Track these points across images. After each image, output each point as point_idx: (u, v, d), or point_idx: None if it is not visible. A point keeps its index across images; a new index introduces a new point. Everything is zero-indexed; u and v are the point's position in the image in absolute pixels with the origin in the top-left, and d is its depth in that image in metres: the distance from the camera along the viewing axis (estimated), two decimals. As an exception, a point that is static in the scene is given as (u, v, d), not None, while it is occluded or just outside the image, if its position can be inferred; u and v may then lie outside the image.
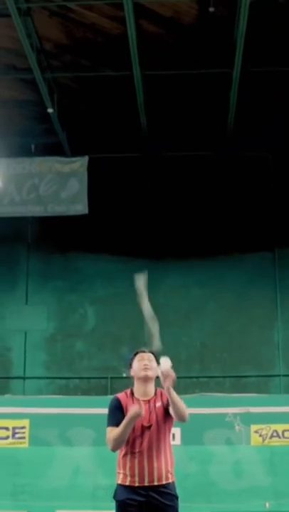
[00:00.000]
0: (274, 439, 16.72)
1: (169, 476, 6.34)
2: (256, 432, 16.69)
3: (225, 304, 19.57)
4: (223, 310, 19.55)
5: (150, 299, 18.63)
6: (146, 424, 6.23)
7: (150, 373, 6.48)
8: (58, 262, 20.02)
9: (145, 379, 6.44)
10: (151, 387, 6.45)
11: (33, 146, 20.13)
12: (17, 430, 16.61)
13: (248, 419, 16.52)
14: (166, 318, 19.15)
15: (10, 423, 16.70)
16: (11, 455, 16.71)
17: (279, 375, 19.11)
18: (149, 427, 6.23)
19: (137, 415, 6.07)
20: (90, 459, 16.47)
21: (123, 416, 6.17)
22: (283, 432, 16.69)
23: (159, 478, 6.29)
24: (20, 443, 16.62)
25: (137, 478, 6.22)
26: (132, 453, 6.23)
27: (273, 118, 18.95)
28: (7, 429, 16.73)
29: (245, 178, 20.01)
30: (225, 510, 16.33)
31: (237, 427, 16.23)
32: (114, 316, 19.64)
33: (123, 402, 6.35)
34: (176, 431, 16.51)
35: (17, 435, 16.61)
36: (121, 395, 6.44)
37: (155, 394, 6.42)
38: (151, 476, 6.24)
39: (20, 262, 20.08)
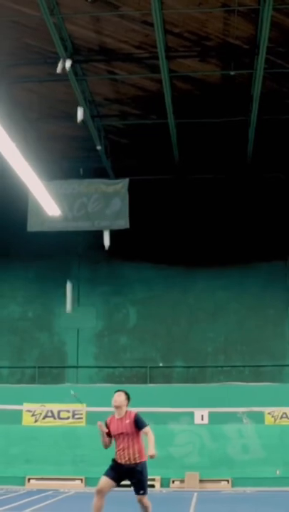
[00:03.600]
0: (284, 419, 20.31)
1: (138, 459, 10.55)
2: (269, 413, 20.30)
3: (244, 305, 22.80)
4: (243, 310, 22.81)
5: (182, 301, 22.21)
6: (120, 431, 10.66)
7: (116, 404, 10.79)
8: (104, 270, 23.25)
9: (116, 407, 10.78)
10: (121, 411, 10.77)
11: (81, 170, 22.79)
12: (76, 412, 20.33)
13: (263, 403, 20.07)
14: (196, 317, 22.70)
15: (70, 406, 20.41)
16: (71, 432, 20.46)
17: (290, 365, 22.45)
18: (122, 433, 10.63)
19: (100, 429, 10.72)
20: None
21: (108, 427, 10.76)
22: (291, 413, 20.35)
23: (131, 461, 10.50)
24: (79, 422, 20.34)
25: (120, 460, 10.51)
26: (117, 447, 10.71)
27: (284, 147, 22.18)
28: (68, 411, 20.48)
29: (262, 197, 23.13)
30: (243, 476, 19.99)
31: (244, 421, 19.77)
32: (152, 315, 22.95)
33: (108, 420, 10.87)
34: (204, 413, 20.24)
35: (76, 416, 20.32)
36: (109, 418, 10.86)
37: (125, 414, 10.70)
38: (127, 460, 10.49)
39: (73, 270, 23.38)
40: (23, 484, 20.49)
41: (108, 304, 23.14)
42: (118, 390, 11.02)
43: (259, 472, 19.98)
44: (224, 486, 20.07)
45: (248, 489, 19.61)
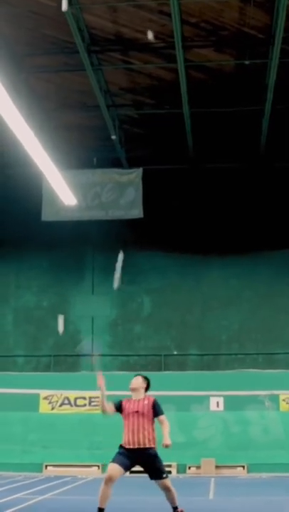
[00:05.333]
0: (299, 406, 20.55)
1: (149, 443, 10.21)
2: (284, 400, 20.48)
3: (258, 293, 22.93)
4: (256, 298, 22.93)
5: (196, 290, 22.38)
6: (134, 410, 10.35)
7: (133, 386, 10.61)
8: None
9: (132, 390, 10.59)
10: (139, 394, 10.58)
11: (94, 160, 22.93)
12: (93, 399, 20.52)
13: (278, 390, 20.26)
14: (210, 305, 22.83)
15: (87, 394, 20.62)
16: (88, 419, 20.65)
17: (304, 352, 22.55)
18: (137, 412, 10.35)
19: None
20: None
21: (120, 405, 10.48)
22: (306, 400, 20.54)
23: (145, 444, 10.19)
24: (96, 409, 20.51)
25: (131, 444, 10.24)
26: (128, 429, 10.33)
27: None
28: (85, 398, 20.69)
29: (274, 187, 23.22)
30: (259, 462, 20.19)
31: (267, 404, 19.95)
32: (166, 304, 23.10)
33: (123, 401, 10.54)
34: (219, 399, 20.46)
35: (93, 403, 20.51)
36: (124, 399, 10.55)
37: (144, 397, 10.54)
38: (139, 443, 10.17)
39: (87, 259, 23.54)
40: (41, 471, 20.73)
41: (122, 292, 23.05)
42: (137, 375, 10.92)
43: (275, 458, 20.18)
44: (240, 472, 20.28)
45: (264, 475, 19.80)
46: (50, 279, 23.62)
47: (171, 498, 10.41)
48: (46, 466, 20.84)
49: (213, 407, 20.87)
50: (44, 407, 20.97)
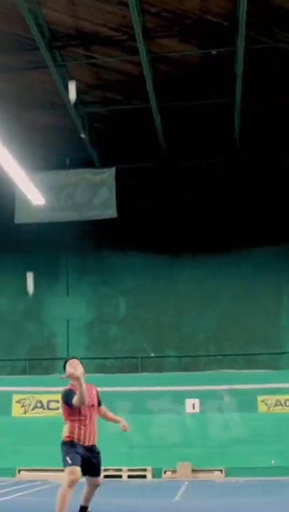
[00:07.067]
0: (278, 407, 19.98)
1: (95, 439, 9.65)
2: (262, 401, 19.97)
3: (236, 292, 22.36)
4: (235, 297, 22.36)
5: (172, 290, 21.81)
6: (91, 403, 9.52)
7: (78, 374, 9.54)
8: (92, 260, 22.97)
9: (77, 378, 9.51)
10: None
11: (67, 160, 22.54)
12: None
13: (256, 391, 19.70)
14: (186, 305, 22.33)
15: (60, 397, 20.10)
16: (61, 422, 20.06)
17: (285, 353, 21.89)
18: (93, 406, 9.59)
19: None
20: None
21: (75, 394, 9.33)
22: (285, 401, 19.99)
23: (93, 441, 9.56)
24: (68, 413, 20.03)
25: (89, 442, 9.45)
26: (83, 425, 9.47)
27: (272, 127, 21.67)
28: (57, 401, 20.10)
29: (250, 180, 22.65)
30: (237, 466, 19.64)
31: (225, 398, 19.42)
32: (141, 305, 22.62)
33: (74, 389, 9.53)
34: (195, 401, 19.96)
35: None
36: (69, 387, 9.67)
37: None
38: (91, 441, 9.51)
39: (61, 260, 23.10)
40: (14, 475, 20.25)
41: (97, 293, 22.88)
42: (71, 358, 9.97)
43: (253, 462, 19.60)
44: (217, 476, 19.74)
45: (241, 479, 19.21)
46: (25, 282, 23.10)
47: (90, 497, 9.84)
48: (19, 470, 20.36)
49: (189, 409, 20.37)
50: (17, 411, 20.49)
